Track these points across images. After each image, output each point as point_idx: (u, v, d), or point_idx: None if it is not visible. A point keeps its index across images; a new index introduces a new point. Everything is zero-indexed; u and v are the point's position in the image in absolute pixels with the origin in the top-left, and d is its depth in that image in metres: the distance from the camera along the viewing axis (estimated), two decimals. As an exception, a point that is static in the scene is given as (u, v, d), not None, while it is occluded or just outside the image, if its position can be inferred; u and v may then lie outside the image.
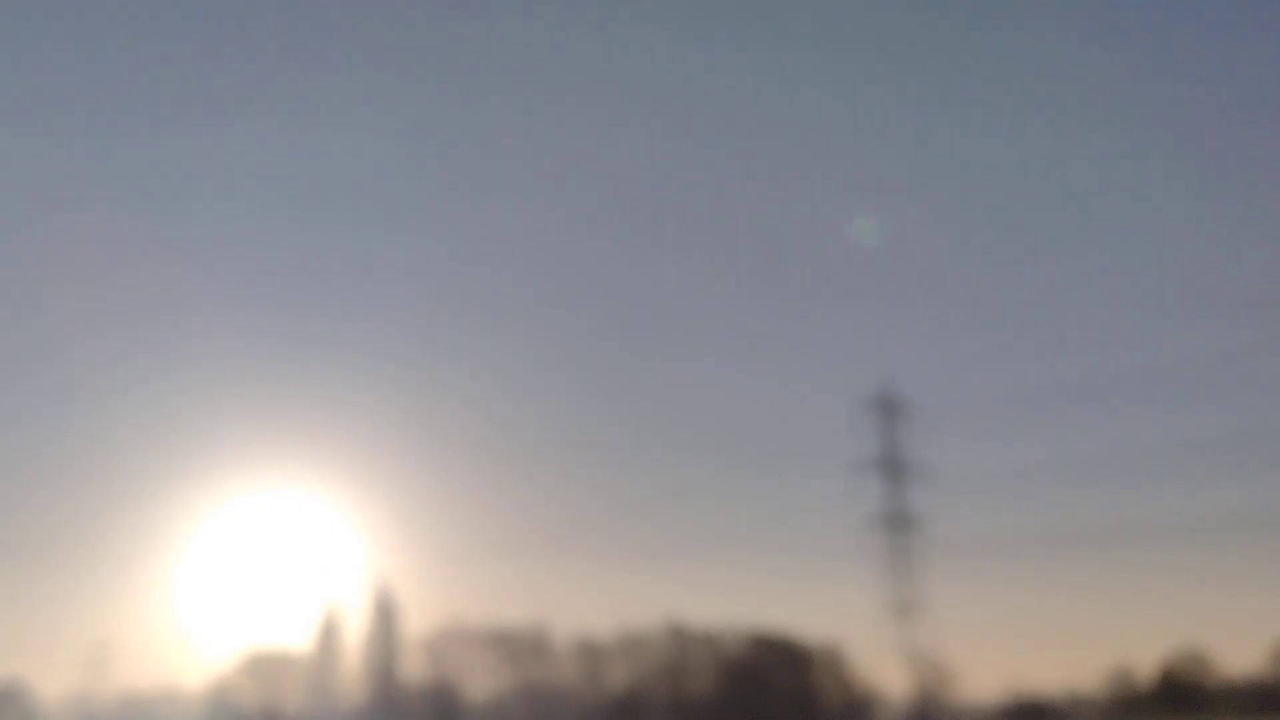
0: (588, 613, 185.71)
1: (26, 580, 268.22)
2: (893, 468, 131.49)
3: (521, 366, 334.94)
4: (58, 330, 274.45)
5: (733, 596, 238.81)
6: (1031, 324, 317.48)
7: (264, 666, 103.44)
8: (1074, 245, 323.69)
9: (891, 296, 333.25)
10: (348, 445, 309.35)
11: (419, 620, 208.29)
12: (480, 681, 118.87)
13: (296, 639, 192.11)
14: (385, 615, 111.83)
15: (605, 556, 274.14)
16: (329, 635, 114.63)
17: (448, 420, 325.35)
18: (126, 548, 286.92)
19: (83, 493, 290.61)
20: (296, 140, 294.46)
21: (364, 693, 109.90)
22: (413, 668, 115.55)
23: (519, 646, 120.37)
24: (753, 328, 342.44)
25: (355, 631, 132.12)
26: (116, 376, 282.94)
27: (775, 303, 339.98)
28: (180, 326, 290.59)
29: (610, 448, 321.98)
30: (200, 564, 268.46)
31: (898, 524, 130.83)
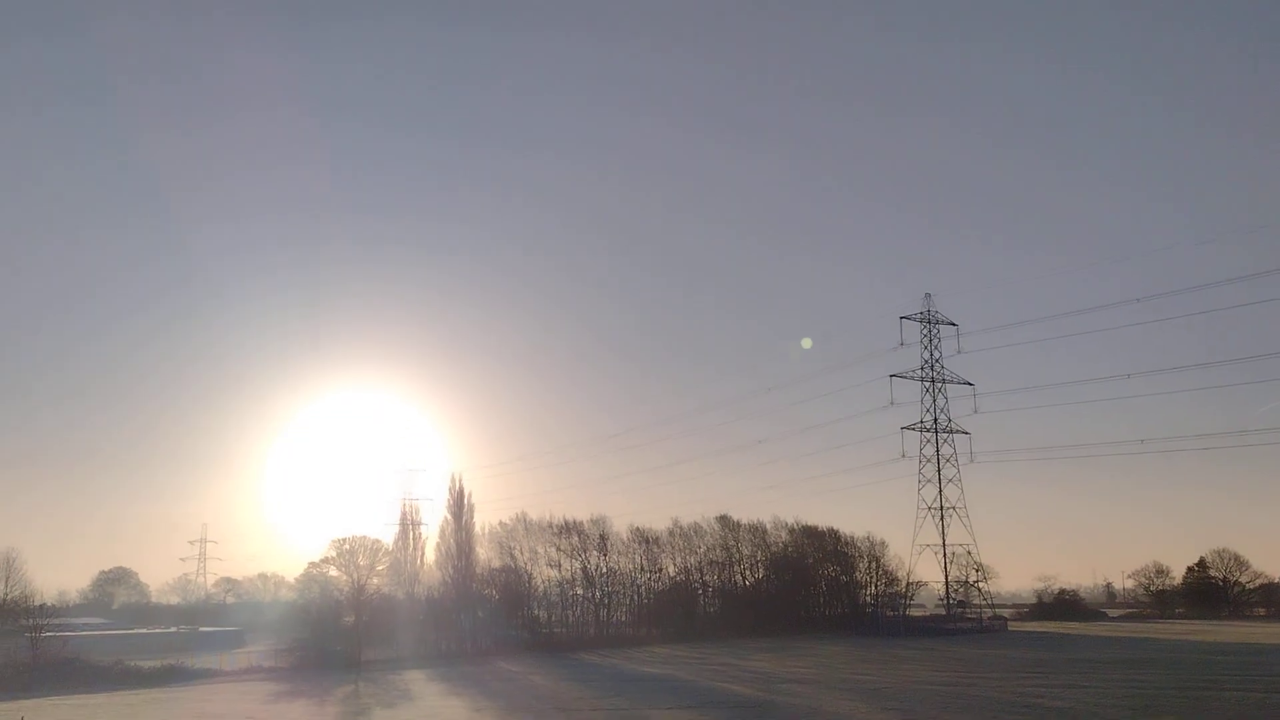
0: (644, 508, 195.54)
1: (135, 474, 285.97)
2: (933, 379, 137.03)
3: (587, 281, 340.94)
4: (170, 230, 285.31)
5: (781, 494, 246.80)
6: (1069, 240, 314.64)
7: (351, 554, 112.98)
8: (1116, 164, 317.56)
9: (938, 213, 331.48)
10: (431, 348, 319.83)
11: (491, 513, 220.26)
12: (546, 570, 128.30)
13: (380, 529, 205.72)
14: (460, 507, 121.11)
15: (661, 456, 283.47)
16: (409, 526, 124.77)
17: (521, 328, 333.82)
18: (225, 444, 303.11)
19: (184, 392, 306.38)
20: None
21: (441, 578, 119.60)
22: (485, 556, 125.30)
23: (582, 537, 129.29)
24: (806, 240, 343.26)
25: (433, 522, 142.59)
26: (220, 279, 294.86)
27: (828, 217, 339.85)
28: (282, 232, 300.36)
29: (665, 357, 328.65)
30: (293, 459, 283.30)
31: (936, 431, 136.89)
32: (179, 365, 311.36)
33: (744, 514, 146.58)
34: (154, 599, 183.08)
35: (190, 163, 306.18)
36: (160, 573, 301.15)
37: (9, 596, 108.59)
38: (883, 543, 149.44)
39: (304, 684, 76.08)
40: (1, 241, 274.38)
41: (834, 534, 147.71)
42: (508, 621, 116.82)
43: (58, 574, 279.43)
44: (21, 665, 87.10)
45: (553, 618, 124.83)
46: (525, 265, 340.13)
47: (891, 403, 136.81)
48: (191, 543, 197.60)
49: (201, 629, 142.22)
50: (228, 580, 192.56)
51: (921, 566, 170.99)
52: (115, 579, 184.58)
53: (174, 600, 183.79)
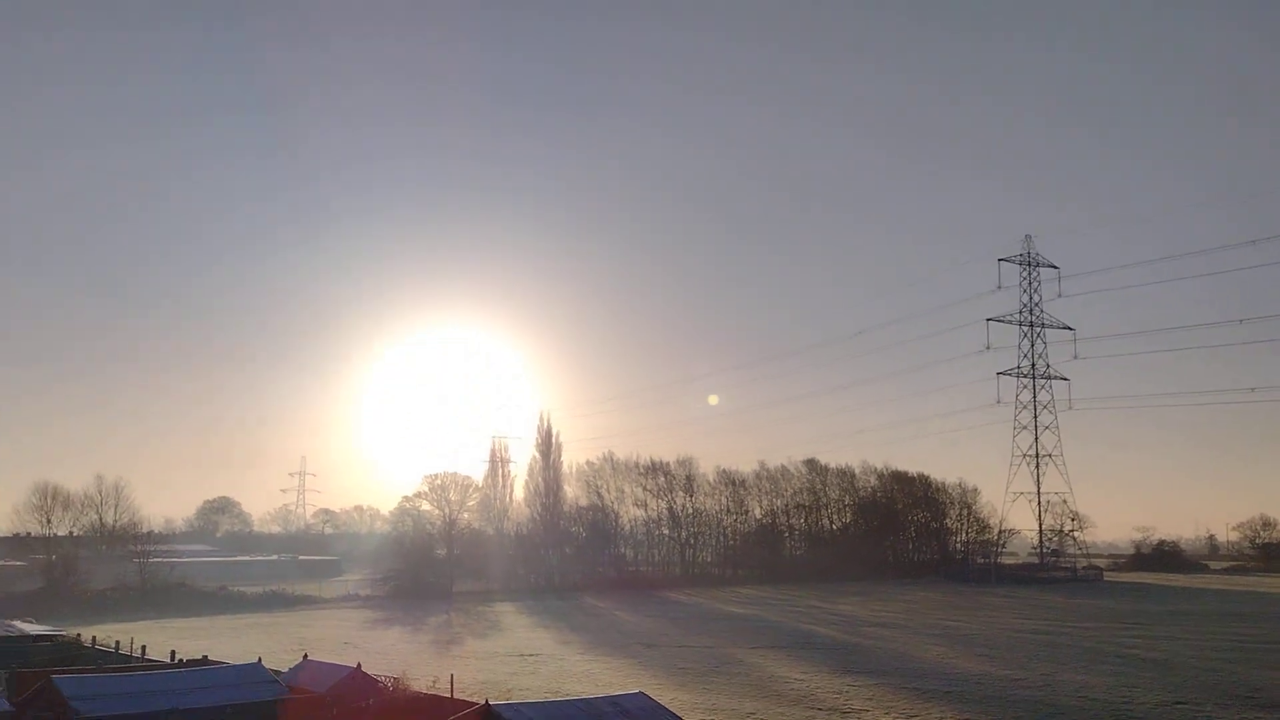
0: (731, 450, 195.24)
1: (238, 408, 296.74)
2: (1031, 323, 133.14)
3: (678, 219, 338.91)
4: (281, 159, 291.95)
5: (870, 439, 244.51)
6: (1180, 180, 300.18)
7: (442, 489, 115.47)
8: (1228, 99, 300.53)
9: (1038, 151, 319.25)
10: (524, 287, 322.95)
11: (579, 452, 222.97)
12: (632, 509, 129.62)
13: (471, 466, 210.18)
14: (549, 446, 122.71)
15: (749, 398, 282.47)
16: (499, 463, 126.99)
17: (612, 267, 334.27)
18: (324, 379, 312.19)
19: (285, 327, 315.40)
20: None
21: (529, 515, 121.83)
22: (572, 494, 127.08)
23: (669, 477, 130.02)
24: (902, 180, 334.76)
25: (522, 460, 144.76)
26: (315, 215, 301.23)
27: (926, 157, 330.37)
28: (370, 167, 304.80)
29: (756, 300, 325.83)
30: (390, 394, 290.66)
31: (1034, 377, 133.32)
32: (279, 300, 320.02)
33: (832, 458, 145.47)
34: (255, 528, 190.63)
35: (314, 76, 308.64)
36: (261, 503, 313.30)
37: (118, 523, 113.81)
38: (975, 489, 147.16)
39: (399, 612, 78.43)
40: (107, 176, 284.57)
41: (924, 480, 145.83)
42: (594, 559, 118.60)
43: (165, 504, 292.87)
44: (131, 589, 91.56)
45: (639, 556, 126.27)
46: (620, 202, 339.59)
47: (988, 347, 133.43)
48: (291, 475, 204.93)
49: (301, 558, 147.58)
50: (325, 512, 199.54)
51: (1014, 515, 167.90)
52: (219, 508, 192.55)
53: (274, 530, 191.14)
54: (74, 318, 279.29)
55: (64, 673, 24.29)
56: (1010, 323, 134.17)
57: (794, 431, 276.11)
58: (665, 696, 25.31)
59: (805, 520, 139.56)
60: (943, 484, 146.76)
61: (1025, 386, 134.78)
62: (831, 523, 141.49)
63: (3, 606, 75.07)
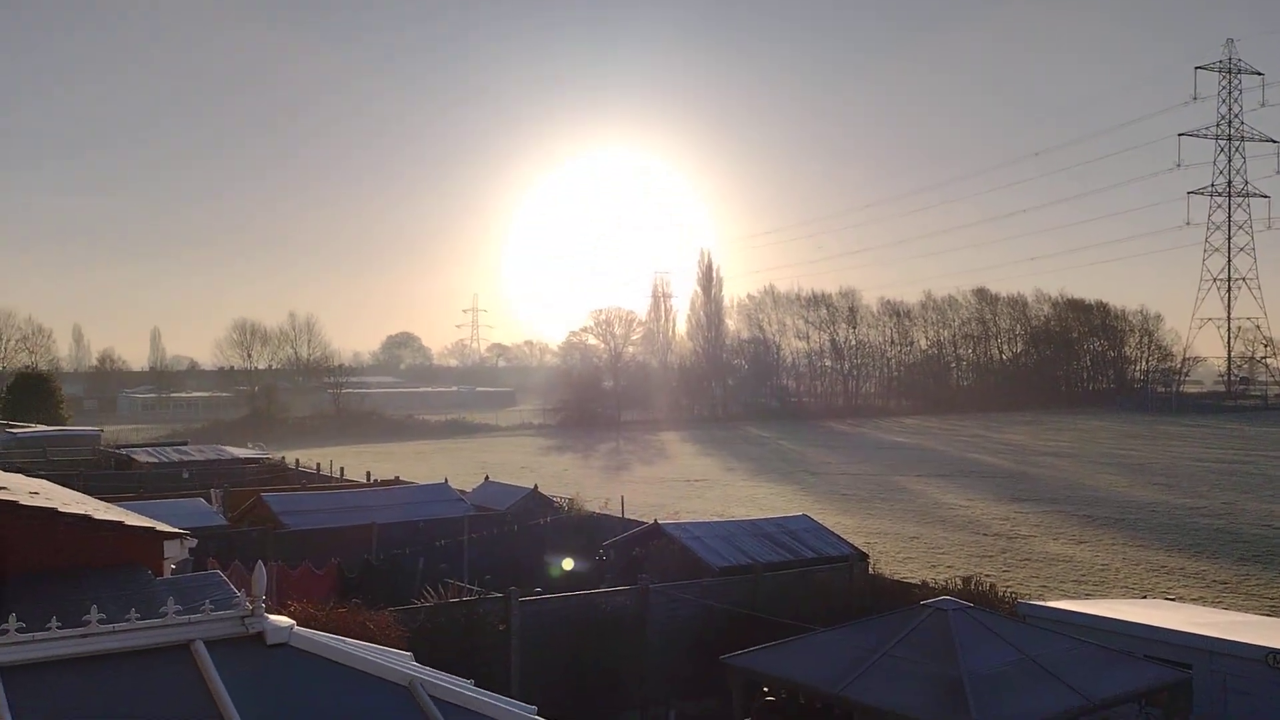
0: (895, 281, 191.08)
1: (415, 248, 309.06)
2: (1229, 136, 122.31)
3: (840, 43, 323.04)
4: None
5: (1045, 267, 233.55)
6: None
7: (607, 324, 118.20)
8: None
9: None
10: (686, 117, 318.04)
11: (741, 285, 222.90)
12: (794, 341, 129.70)
13: (634, 300, 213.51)
14: (710, 280, 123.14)
15: (915, 227, 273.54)
16: (660, 298, 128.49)
17: (774, 95, 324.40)
18: (496, 216, 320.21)
19: (455, 168, 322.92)
20: None
21: (692, 348, 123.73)
22: (734, 328, 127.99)
23: (830, 309, 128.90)
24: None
25: (684, 294, 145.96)
26: (477, 37, 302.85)
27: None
28: None
29: (922, 120, 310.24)
30: (556, 230, 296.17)
31: (1230, 195, 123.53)
32: (450, 146, 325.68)
33: (1003, 287, 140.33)
34: (435, 361, 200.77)
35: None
36: (439, 338, 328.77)
37: (311, 357, 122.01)
38: (1158, 316, 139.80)
39: (570, 440, 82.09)
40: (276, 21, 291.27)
41: (1102, 307, 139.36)
42: (756, 390, 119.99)
43: (352, 338, 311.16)
44: (328, 417, 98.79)
45: (801, 388, 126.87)
46: (782, 21, 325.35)
47: (1179, 165, 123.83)
48: (464, 311, 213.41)
49: (478, 389, 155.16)
50: (498, 346, 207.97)
51: (1200, 342, 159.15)
52: (401, 343, 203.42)
53: (452, 363, 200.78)
54: (262, 162, 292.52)
55: (272, 491, 26.67)
56: (1205, 137, 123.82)
57: (962, 261, 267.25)
58: (829, 520, 25.90)
59: (973, 351, 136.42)
60: (1122, 311, 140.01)
61: (1219, 206, 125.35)
62: (1001, 353, 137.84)
63: (213, 433, 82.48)
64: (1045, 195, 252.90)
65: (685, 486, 47.48)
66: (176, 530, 9.07)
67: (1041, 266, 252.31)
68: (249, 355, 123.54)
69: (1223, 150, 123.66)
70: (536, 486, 27.78)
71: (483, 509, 25.63)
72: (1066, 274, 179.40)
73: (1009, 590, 18.08)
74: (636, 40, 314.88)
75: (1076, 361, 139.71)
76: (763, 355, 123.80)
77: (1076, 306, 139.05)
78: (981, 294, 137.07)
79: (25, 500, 8.29)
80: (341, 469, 38.58)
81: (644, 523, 21.16)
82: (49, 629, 5.27)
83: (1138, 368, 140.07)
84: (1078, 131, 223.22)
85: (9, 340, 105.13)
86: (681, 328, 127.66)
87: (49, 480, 14.27)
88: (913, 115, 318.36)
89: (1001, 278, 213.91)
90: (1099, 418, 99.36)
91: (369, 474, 35.14)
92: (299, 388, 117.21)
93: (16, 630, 5.19)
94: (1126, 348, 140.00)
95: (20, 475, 13.54)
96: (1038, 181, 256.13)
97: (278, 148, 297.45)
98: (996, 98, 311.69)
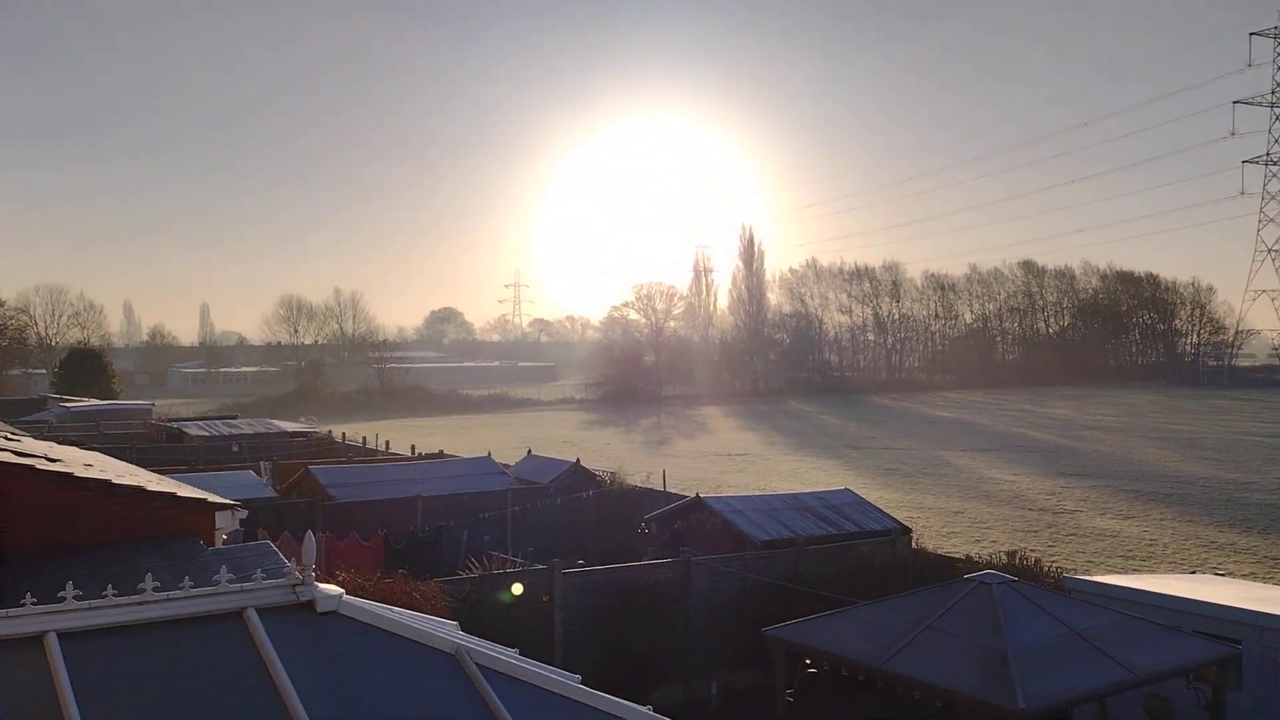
0: (939, 254, 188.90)
1: (456, 226, 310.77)
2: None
3: (883, 12, 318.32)
4: None
5: (1092, 239, 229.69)
6: None
7: (648, 299, 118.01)
8: None
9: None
10: (729, 88, 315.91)
11: (784, 258, 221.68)
12: (837, 315, 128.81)
13: (674, 276, 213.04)
14: (751, 254, 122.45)
15: (959, 200, 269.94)
16: (701, 273, 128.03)
17: (816, 68, 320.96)
18: (537, 192, 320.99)
19: (498, 147, 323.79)
20: None
21: (733, 322, 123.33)
22: (775, 302, 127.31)
23: (874, 283, 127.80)
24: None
25: (725, 269, 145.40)
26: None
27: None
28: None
29: (963, 89, 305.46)
30: (596, 205, 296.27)
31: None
32: (494, 119, 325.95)
33: (1050, 260, 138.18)
34: (478, 337, 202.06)
35: None
36: (482, 313, 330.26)
37: (356, 332, 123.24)
38: (1210, 288, 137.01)
39: (612, 414, 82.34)
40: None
41: (1152, 279, 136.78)
42: (798, 365, 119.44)
43: (396, 314, 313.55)
44: (373, 391, 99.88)
45: (843, 362, 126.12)
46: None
47: (1233, 133, 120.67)
48: (507, 286, 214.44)
49: (520, 364, 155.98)
50: (540, 321, 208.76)
51: (1254, 314, 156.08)
52: (444, 318, 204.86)
53: (494, 338, 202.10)
54: (308, 141, 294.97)
55: (319, 464, 27.07)
56: (1260, 104, 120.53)
57: (1007, 232, 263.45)
58: (871, 495, 25.79)
59: (1019, 324, 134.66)
60: (1173, 283, 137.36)
61: (1275, 175, 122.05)
62: (1047, 326, 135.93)
63: (261, 407, 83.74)
64: (1095, 166, 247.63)
65: (727, 461, 47.49)
66: (228, 501, 9.25)
67: (1090, 238, 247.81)
68: (295, 331, 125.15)
69: (1278, 118, 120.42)
70: (579, 460, 27.93)
71: (526, 482, 25.84)
72: (1116, 246, 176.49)
73: (1054, 565, 17.92)
74: (680, 8, 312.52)
75: (1125, 335, 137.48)
76: (804, 329, 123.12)
77: (1126, 279, 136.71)
78: (1028, 266, 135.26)
79: (80, 472, 8.49)
80: (387, 443, 39.03)
81: (686, 496, 21.22)
82: (105, 596, 5.40)
83: (1188, 341, 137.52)
84: (1129, 99, 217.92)
85: (62, 316, 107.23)
86: (723, 302, 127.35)
87: (102, 453, 14.59)
88: (960, 84, 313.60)
89: (1049, 250, 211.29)
90: (1148, 392, 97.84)
91: (414, 448, 35.52)
92: (344, 362, 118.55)
93: (74, 598, 5.33)
94: (1177, 321, 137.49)
95: (75, 448, 13.86)
96: (1087, 152, 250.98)
97: (323, 126, 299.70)
98: (1046, 66, 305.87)
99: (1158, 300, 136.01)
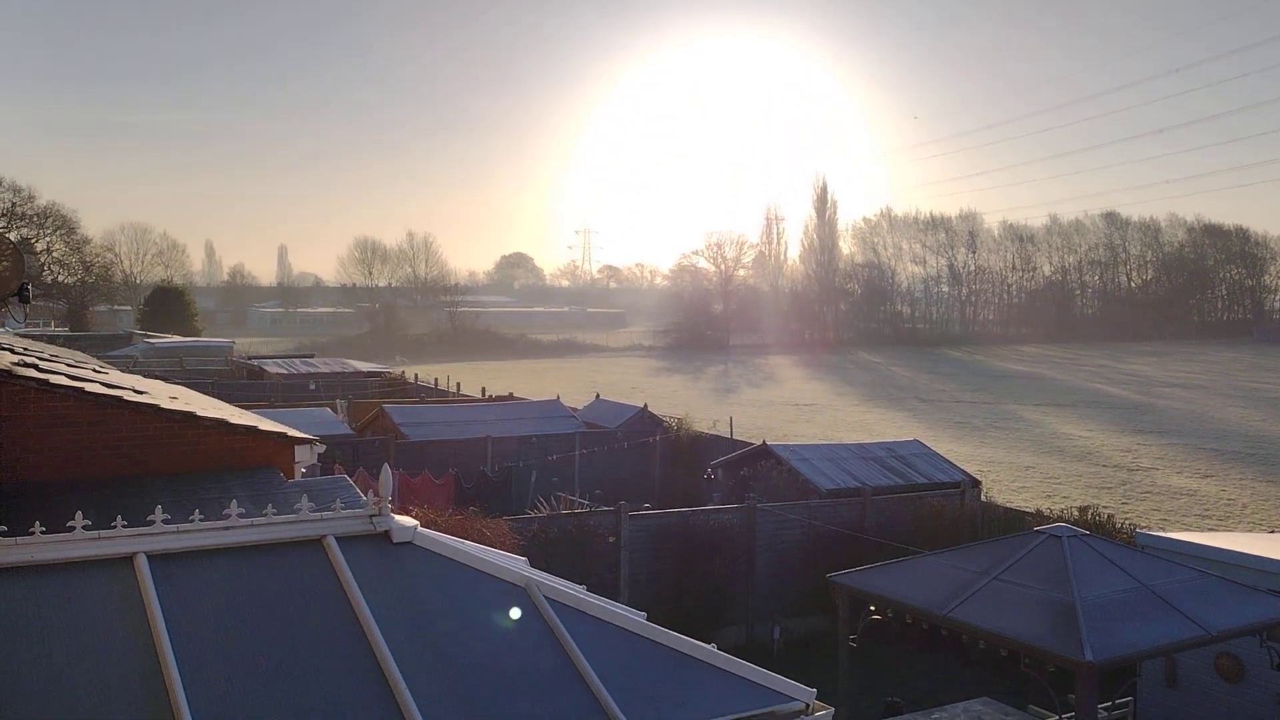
0: (1019, 205, 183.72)
1: (528, 171, 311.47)
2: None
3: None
4: None
5: (1180, 191, 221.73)
6: None
7: (718, 247, 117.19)
8: None
9: None
10: (805, 32, 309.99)
11: (856, 209, 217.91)
12: (910, 266, 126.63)
13: (748, 225, 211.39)
14: (824, 204, 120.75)
15: (1041, 148, 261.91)
16: (773, 221, 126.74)
17: (892, 14, 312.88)
18: (606, 135, 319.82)
19: (572, 91, 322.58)
20: None
21: (804, 272, 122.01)
22: (848, 252, 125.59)
23: (950, 233, 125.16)
24: None
25: (797, 218, 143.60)
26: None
27: None
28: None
29: (1049, 34, 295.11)
30: (667, 149, 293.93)
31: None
32: (567, 64, 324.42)
33: (1134, 212, 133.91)
34: (547, 282, 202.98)
35: None
36: (551, 259, 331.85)
37: (429, 275, 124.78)
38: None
39: (679, 362, 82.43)
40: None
41: (1242, 233, 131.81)
42: (869, 315, 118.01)
43: (467, 258, 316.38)
44: (444, 334, 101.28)
45: (916, 314, 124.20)
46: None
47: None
48: (576, 232, 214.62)
49: (589, 310, 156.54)
50: (609, 268, 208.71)
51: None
52: (514, 263, 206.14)
53: (564, 284, 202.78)
54: (383, 85, 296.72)
55: (393, 403, 27.61)
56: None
57: (1090, 183, 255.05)
58: (941, 447, 25.56)
59: (1099, 278, 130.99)
60: (1264, 237, 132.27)
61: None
62: (1129, 280, 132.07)
63: (337, 347, 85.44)
64: (1183, 115, 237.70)
65: (794, 410, 47.33)
66: (307, 436, 9.49)
67: (1177, 189, 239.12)
68: (370, 273, 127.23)
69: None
70: (646, 406, 28.07)
71: (593, 426, 26.09)
72: (1203, 198, 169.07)
73: (1127, 522, 17.63)
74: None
75: (1211, 290, 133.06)
76: (876, 280, 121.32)
77: (1213, 232, 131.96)
78: (1111, 218, 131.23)
79: (166, 404, 8.78)
80: (458, 384, 39.62)
81: (752, 444, 21.25)
82: (191, 520, 5.63)
83: (1278, 297, 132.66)
84: (1220, 46, 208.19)
85: (146, 255, 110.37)
86: (794, 252, 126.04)
87: (185, 387, 15.06)
88: (1042, 29, 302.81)
89: (1133, 201, 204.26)
90: (1232, 349, 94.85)
91: (484, 389, 36.01)
92: (417, 305, 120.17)
93: (162, 521, 5.56)
94: (1266, 276, 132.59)
95: (160, 382, 14.32)
96: (1175, 100, 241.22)
97: (398, 71, 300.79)
98: (1134, 12, 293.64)
99: (1246, 255, 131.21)
